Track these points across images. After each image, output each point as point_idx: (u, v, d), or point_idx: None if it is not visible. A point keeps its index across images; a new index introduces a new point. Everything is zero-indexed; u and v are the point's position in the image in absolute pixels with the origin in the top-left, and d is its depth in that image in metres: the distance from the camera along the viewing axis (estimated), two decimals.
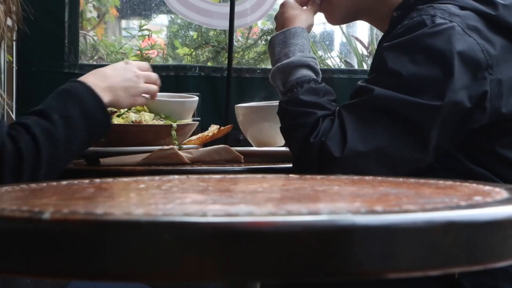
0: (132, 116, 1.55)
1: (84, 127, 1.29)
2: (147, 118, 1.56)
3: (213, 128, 1.69)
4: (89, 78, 1.36)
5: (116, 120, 1.53)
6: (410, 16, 1.32)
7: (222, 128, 1.69)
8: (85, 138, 1.31)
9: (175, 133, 1.52)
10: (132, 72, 1.44)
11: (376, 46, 3.14)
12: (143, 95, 1.45)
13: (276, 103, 1.69)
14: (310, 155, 1.25)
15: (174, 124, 1.52)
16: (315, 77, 1.39)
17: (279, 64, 1.42)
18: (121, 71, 1.42)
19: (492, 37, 1.28)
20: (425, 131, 1.23)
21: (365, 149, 1.22)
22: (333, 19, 1.57)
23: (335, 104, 1.32)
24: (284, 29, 1.45)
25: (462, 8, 1.30)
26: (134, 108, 1.58)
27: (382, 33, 1.49)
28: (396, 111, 1.23)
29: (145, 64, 1.53)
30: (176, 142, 1.52)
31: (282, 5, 1.53)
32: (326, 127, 1.26)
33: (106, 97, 1.35)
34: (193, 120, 1.97)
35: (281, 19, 1.50)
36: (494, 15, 1.30)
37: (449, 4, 1.31)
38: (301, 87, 1.36)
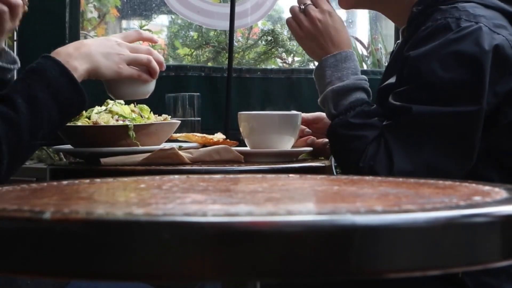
0: (94, 117, 1.53)
1: (54, 108, 1.23)
2: (105, 118, 1.53)
3: (219, 136, 1.69)
4: (62, 51, 1.28)
5: (80, 122, 1.52)
6: (434, 17, 1.30)
7: (228, 140, 1.69)
8: (57, 120, 1.24)
9: (133, 133, 1.48)
10: (112, 41, 1.37)
11: (375, 46, 3.14)
12: (134, 68, 1.38)
13: (278, 112, 1.69)
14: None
15: (130, 124, 1.49)
16: (367, 99, 1.39)
17: (333, 87, 1.39)
18: (100, 40, 1.36)
19: None
20: (469, 138, 1.24)
21: (413, 168, 1.23)
22: (346, 1, 1.52)
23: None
24: (335, 53, 1.42)
25: (487, 7, 1.30)
26: (102, 109, 1.55)
27: (396, 29, 1.48)
28: (437, 124, 1.23)
29: (133, 33, 1.46)
30: (138, 143, 1.49)
31: (330, 14, 1.44)
32: (372, 151, 1.27)
33: (83, 65, 1.28)
34: (193, 120, 1.97)
35: (328, 32, 1.43)
36: None
37: (473, 2, 1.30)
38: (353, 110, 1.35)
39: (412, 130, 1.25)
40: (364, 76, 1.43)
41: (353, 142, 1.30)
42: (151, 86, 1.49)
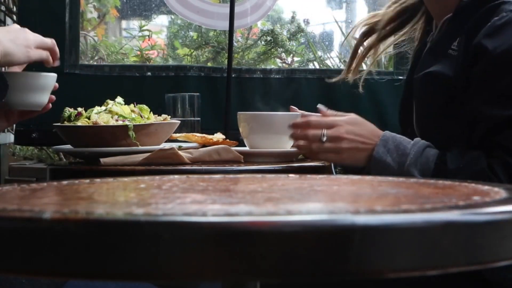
0: (94, 117, 1.53)
1: None
2: (105, 118, 1.53)
3: (219, 136, 1.69)
4: None
5: (80, 122, 1.53)
6: (497, 13, 1.30)
7: (227, 140, 1.69)
8: None
9: (133, 133, 1.48)
10: (16, 27, 1.39)
11: None
12: (41, 50, 1.39)
13: (277, 113, 1.69)
14: None
15: (130, 125, 1.49)
16: (439, 151, 1.33)
17: (407, 163, 1.31)
18: (4, 27, 1.37)
19: None
20: None
21: None
22: None
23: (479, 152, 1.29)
24: (378, 142, 1.34)
25: None
26: (101, 109, 1.56)
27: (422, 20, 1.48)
28: None
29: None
30: (138, 143, 1.50)
31: (346, 122, 1.38)
32: (504, 172, 1.23)
33: None
34: (193, 120, 1.97)
35: (358, 134, 1.37)
36: None
37: None
38: (442, 161, 1.29)
39: None
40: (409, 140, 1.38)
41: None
42: (45, 97, 1.49)
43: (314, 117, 1.41)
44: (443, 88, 1.36)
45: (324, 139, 1.36)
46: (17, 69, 1.52)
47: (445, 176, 1.25)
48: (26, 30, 1.38)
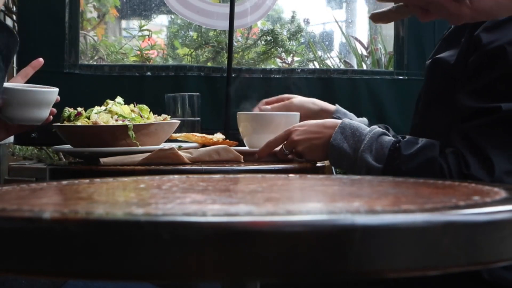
0: (93, 117, 1.53)
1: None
2: (105, 118, 1.53)
3: (219, 136, 1.70)
4: None
5: (80, 122, 1.53)
6: None
7: (227, 140, 1.69)
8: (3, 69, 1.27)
9: (132, 133, 1.48)
10: None
11: (375, 46, 3.13)
12: None
13: (277, 113, 1.70)
14: None
15: (130, 124, 1.49)
16: (391, 135, 1.37)
17: (362, 148, 1.35)
18: None
19: None
20: None
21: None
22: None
23: (435, 141, 1.30)
24: (333, 132, 1.41)
25: None
26: (101, 110, 1.56)
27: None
28: None
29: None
30: (138, 143, 1.49)
31: (299, 127, 1.50)
32: (454, 162, 1.24)
33: None
34: (193, 120, 1.97)
35: (311, 131, 1.47)
36: None
37: None
38: (398, 149, 1.31)
39: (506, 127, 1.23)
40: (365, 119, 1.43)
41: (425, 170, 1.26)
42: (46, 112, 1.51)
43: (272, 138, 1.54)
44: (444, 75, 1.36)
45: (286, 152, 1.51)
46: (20, 80, 1.53)
47: (399, 163, 1.29)
48: None
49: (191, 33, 3.31)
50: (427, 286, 1.24)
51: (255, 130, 1.66)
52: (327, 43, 3.57)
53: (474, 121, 1.26)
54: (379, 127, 1.43)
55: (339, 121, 1.43)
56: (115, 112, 1.55)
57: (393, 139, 1.34)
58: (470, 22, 1.13)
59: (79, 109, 1.57)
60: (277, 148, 1.53)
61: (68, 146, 1.60)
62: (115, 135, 1.49)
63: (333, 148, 1.40)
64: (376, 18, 1.13)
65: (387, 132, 1.37)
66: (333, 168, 1.71)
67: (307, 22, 3.19)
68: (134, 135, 1.48)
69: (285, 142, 1.51)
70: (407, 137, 1.35)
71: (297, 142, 1.47)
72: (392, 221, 0.51)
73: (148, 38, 3.40)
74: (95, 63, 3.34)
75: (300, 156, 1.50)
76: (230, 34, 2.34)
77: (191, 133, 1.71)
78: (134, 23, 3.63)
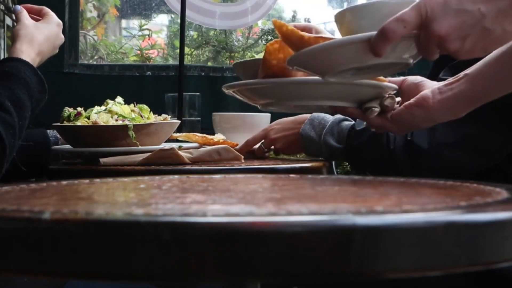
0: (93, 117, 1.53)
1: (29, 108, 1.29)
2: (105, 118, 1.53)
3: (219, 136, 1.70)
4: (24, 50, 1.37)
5: (80, 122, 1.53)
6: None
7: (227, 141, 1.70)
8: (28, 118, 1.30)
9: (132, 133, 1.49)
10: (53, 28, 1.49)
11: None
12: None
13: (252, 114, 1.77)
14: (397, 159, 1.32)
15: (130, 124, 1.49)
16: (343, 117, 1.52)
17: (324, 132, 1.51)
18: (51, 32, 1.44)
19: None
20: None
21: (454, 140, 1.25)
22: None
23: None
24: (300, 129, 1.57)
25: None
26: (99, 109, 1.56)
27: None
28: None
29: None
30: (138, 143, 1.50)
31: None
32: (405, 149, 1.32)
33: (36, 62, 1.38)
34: (193, 120, 1.97)
35: (282, 129, 1.64)
36: None
37: None
38: (352, 127, 1.46)
39: None
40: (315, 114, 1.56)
41: (374, 141, 1.37)
42: None
43: (250, 137, 1.68)
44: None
45: (265, 149, 1.66)
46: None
47: (357, 142, 1.43)
48: (61, 27, 1.50)
49: (191, 32, 3.31)
50: (427, 286, 1.24)
51: (229, 129, 1.78)
52: None
53: None
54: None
55: (309, 115, 1.58)
56: (115, 112, 1.55)
57: (353, 122, 1.48)
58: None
59: (79, 109, 1.57)
60: (256, 146, 1.67)
61: (68, 146, 1.60)
62: (115, 135, 1.49)
63: (302, 138, 1.56)
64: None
65: (349, 118, 1.51)
66: (333, 168, 1.72)
67: (308, 21, 3.19)
68: (134, 135, 1.48)
69: (263, 141, 1.65)
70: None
71: (274, 140, 1.62)
72: (393, 221, 0.51)
73: (148, 38, 3.40)
74: (95, 62, 3.34)
75: (277, 154, 1.66)
76: (181, 24, 2.32)
77: (191, 133, 1.72)
78: (134, 22, 3.63)
